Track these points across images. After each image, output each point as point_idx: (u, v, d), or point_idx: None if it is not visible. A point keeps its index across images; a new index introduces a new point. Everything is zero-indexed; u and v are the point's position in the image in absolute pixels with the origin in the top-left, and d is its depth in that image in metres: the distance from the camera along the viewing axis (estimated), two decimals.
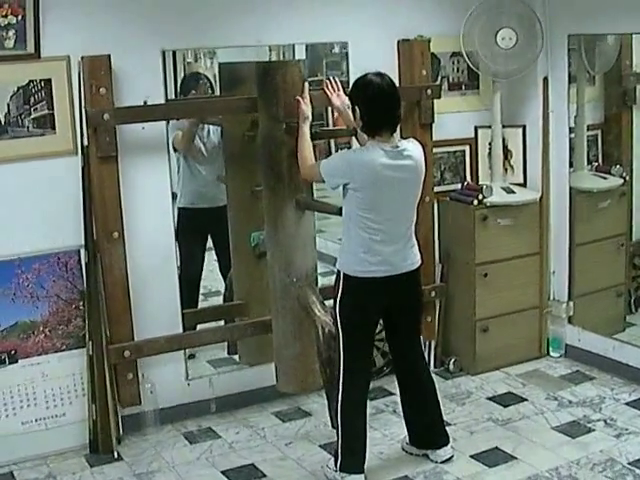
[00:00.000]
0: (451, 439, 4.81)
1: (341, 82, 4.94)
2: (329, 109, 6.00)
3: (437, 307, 5.92)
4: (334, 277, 4.56)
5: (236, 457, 4.94)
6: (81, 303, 4.93)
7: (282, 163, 4.77)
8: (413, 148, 4.43)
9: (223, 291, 6.25)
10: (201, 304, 6.24)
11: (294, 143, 4.70)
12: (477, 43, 5.60)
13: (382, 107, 4.32)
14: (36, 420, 4.94)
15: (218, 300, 6.50)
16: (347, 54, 5.59)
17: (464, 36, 5.61)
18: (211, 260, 6.39)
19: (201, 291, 6.30)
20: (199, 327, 5.68)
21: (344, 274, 4.45)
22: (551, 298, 6.12)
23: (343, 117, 4.80)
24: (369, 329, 4.57)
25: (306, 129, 4.65)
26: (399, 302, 4.54)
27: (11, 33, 4.50)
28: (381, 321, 4.68)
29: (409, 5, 5.60)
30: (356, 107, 4.35)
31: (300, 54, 6.00)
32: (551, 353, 6.14)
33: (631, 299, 6.48)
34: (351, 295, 4.44)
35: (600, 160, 6.37)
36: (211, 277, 6.43)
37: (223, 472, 4.77)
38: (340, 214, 4.49)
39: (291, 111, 4.70)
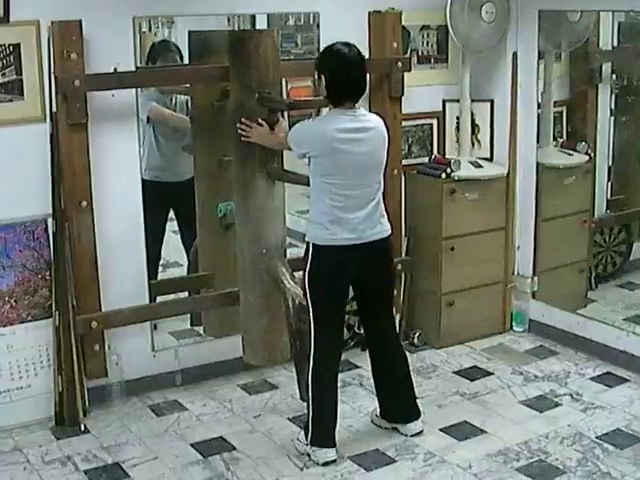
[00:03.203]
0: (422, 413, 4.82)
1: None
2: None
3: (402, 280, 5.91)
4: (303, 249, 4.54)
5: (204, 430, 4.90)
6: (48, 273, 4.85)
7: None
8: (372, 115, 4.49)
9: (187, 263, 6.20)
10: (160, 275, 6.14)
11: (266, 113, 4.66)
12: (466, 17, 5.60)
13: (347, 76, 4.33)
14: (1, 392, 4.85)
15: (176, 271, 6.46)
16: (300, 26, 5.54)
17: (450, 9, 5.59)
18: (168, 231, 6.30)
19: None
20: (160, 298, 5.61)
21: (313, 244, 4.43)
22: (515, 273, 6.15)
23: (269, 143, 4.75)
24: (339, 300, 4.54)
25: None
26: (369, 272, 4.52)
27: None
28: (352, 293, 4.67)
29: None
30: (322, 75, 4.35)
31: (261, 25, 5.95)
32: (514, 328, 6.17)
33: (592, 276, 6.55)
34: (320, 265, 4.42)
35: (565, 137, 6.41)
36: (169, 248, 6.34)
37: (192, 445, 4.73)
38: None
39: (264, 81, 4.65)
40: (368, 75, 4.52)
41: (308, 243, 4.47)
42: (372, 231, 4.45)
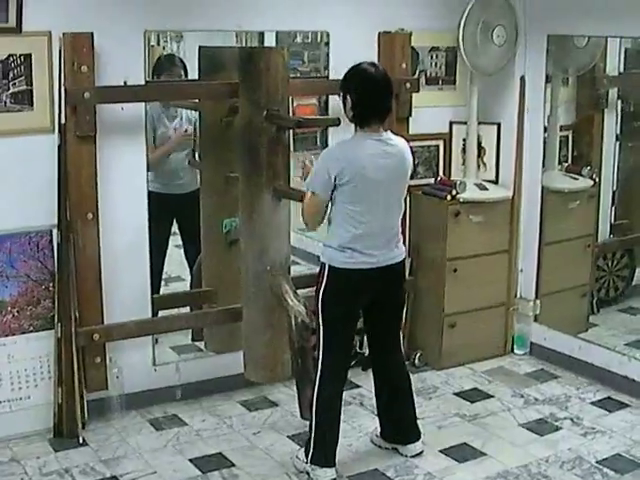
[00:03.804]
0: (422, 435, 4.81)
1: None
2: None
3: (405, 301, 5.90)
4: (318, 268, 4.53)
5: (203, 445, 4.89)
6: (51, 284, 4.84)
7: (261, 150, 4.71)
8: (398, 139, 4.44)
9: (190, 278, 6.19)
10: (162, 290, 6.12)
11: (274, 130, 4.66)
12: (478, 40, 5.62)
13: (374, 98, 4.29)
14: (0, 402, 4.84)
15: (178, 286, 6.46)
16: (308, 44, 5.55)
17: (463, 31, 5.60)
18: (171, 245, 6.30)
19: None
20: (162, 313, 5.59)
21: (328, 266, 4.41)
22: (518, 296, 6.15)
23: None
24: (350, 323, 4.54)
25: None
26: (383, 295, 4.51)
27: None
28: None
29: None
30: (347, 96, 4.31)
31: (270, 42, 5.98)
32: (516, 350, 6.17)
33: (594, 300, 6.54)
34: (334, 287, 4.41)
35: (570, 161, 6.41)
36: (171, 262, 6.34)
37: (191, 460, 4.71)
38: None
39: (273, 98, 4.66)
40: None
41: (323, 264, 4.45)
42: (389, 255, 4.45)
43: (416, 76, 5.76)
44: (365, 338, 4.97)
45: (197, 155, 5.90)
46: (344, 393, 4.59)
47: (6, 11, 4.44)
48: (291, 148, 4.96)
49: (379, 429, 4.84)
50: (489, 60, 5.72)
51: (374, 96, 4.29)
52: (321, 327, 4.45)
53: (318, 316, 4.45)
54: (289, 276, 4.93)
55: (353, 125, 4.36)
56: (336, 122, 4.60)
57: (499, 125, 6.01)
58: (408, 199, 5.72)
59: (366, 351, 5.09)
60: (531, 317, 6.10)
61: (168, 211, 5.98)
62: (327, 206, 4.37)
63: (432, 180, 5.96)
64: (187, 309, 5.91)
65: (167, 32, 5.90)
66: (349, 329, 4.55)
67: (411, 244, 5.89)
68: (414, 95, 5.60)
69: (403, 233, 5.61)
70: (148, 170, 5.16)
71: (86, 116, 4.61)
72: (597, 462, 4.69)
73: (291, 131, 5.09)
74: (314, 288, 4.52)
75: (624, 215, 6.90)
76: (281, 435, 5.01)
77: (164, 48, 6.51)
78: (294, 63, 6.25)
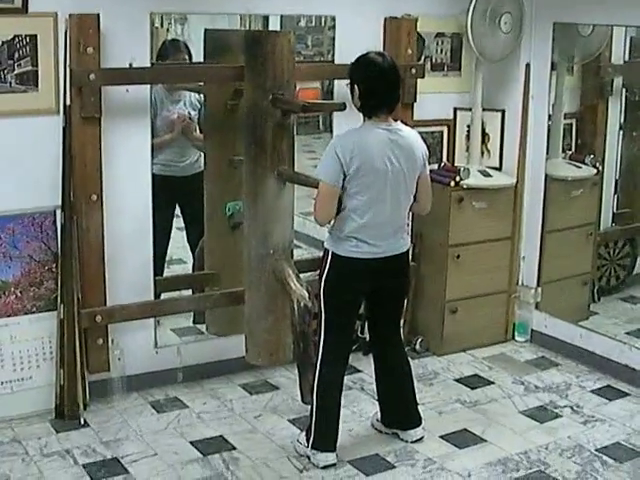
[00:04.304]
0: (423, 420, 4.82)
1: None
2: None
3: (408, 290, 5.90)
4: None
5: (204, 428, 4.90)
6: (54, 265, 4.84)
7: (266, 133, 4.70)
8: (407, 130, 4.43)
9: (192, 260, 6.19)
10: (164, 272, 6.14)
11: (279, 114, 4.65)
12: (487, 26, 5.62)
13: (382, 88, 4.27)
14: (2, 383, 4.84)
15: (179, 268, 6.47)
16: (312, 28, 5.54)
17: (472, 17, 5.59)
18: (174, 227, 6.30)
19: None
20: (164, 295, 5.61)
21: (332, 252, 4.42)
22: (520, 283, 6.15)
23: None
24: (352, 308, 4.56)
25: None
26: (385, 285, 4.51)
27: None
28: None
29: None
30: (355, 86, 4.30)
31: (274, 26, 5.97)
32: (516, 338, 6.18)
33: (595, 288, 6.56)
34: (337, 273, 4.42)
35: (574, 149, 6.42)
36: (173, 245, 6.33)
37: (192, 442, 4.73)
38: None
39: (279, 82, 4.65)
40: None
41: (326, 250, 4.46)
42: (395, 245, 4.45)
43: (421, 62, 5.75)
44: (366, 323, 4.98)
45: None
46: (345, 378, 4.60)
47: None
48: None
49: (379, 414, 4.85)
50: (496, 47, 5.71)
51: (382, 87, 4.27)
52: (322, 312, 4.46)
53: (320, 301, 4.46)
54: (292, 260, 4.94)
55: (362, 114, 4.35)
56: (342, 107, 4.57)
57: (503, 112, 6.00)
58: None
59: (367, 336, 5.11)
60: (532, 304, 6.10)
61: (171, 193, 5.96)
62: (339, 199, 4.31)
63: (436, 166, 5.95)
64: (189, 292, 5.91)
65: (173, 14, 5.88)
66: (351, 314, 4.57)
67: (414, 230, 5.88)
68: (419, 81, 5.59)
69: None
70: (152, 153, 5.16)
71: (91, 98, 4.60)
72: (596, 450, 4.70)
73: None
74: (317, 272, 4.52)
75: (626, 204, 6.92)
76: (282, 419, 5.02)
77: (168, 30, 6.51)
78: (298, 47, 6.24)
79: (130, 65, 4.78)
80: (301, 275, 4.86)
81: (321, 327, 4.47)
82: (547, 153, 5.99)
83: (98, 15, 4.56)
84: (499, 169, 6.06)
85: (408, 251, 4.57)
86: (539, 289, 6.09)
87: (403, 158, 4.32)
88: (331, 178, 4.26)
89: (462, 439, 4.82)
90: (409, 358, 4.86)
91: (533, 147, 5.97)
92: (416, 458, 4.61)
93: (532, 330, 6.14)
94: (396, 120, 4.40)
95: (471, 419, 5.05)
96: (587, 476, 4.45)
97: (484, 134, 6.00)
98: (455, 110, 6.03)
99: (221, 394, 5.31)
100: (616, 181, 6.78)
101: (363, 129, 4.32)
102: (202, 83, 5.58)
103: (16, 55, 4.55)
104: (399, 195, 4.38)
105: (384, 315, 4.69)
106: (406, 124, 4.58)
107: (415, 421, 4.78)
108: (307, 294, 4.62)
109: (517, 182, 5.98)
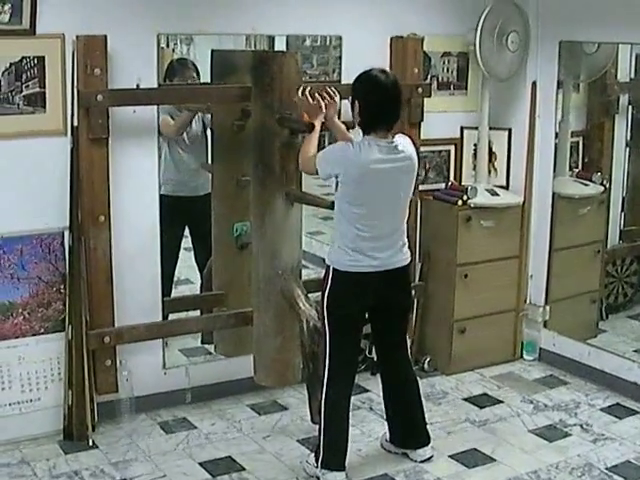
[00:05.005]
0: (432, 439, 4.80)
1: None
2: None
3: (415, 306, 5.89)
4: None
5: (213, 449, 4.89)
6: (62, 286, 4.84)
7: (274, 154, 4.74)
8: (405, 143, 4.43)
9: (200, 281, 6.19)
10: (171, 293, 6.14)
11: (286, 134, 4.68)
12: (494, 45, 5.63)
13: (382, 105, 4.29)
14: (10, 404, 4.84)
15: (187, 288, 6.46)
16: (317, 47, 5.54)
17: (480, 37, 5.60)
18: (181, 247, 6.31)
19: None
20: (172, 316, 5.60)
21: (333, 268, 4.42)
22: (528, 301, 6.14)
23: (335, 130, 4.68)
24: (355, 324, 4.54)
25: (318, 127, 4.60)
26: (387, 298, 4.51)
27: (7, 7, 4.39)
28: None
29: (403, 3, 5.58)
30: (356, 101, 4.32)
31: (280, 46, 5.98)
32: (525, 356, 6.16)
33: (603, 306, 6.54)
34: (339, 289, 4.41)
35: (581, 167, 6.41)
36: (181, 265, 6.32)
37: (201, 463, 4.72)
38: (331, 208, 4.48)
39: (286, 102, 4.67)
40: None
41: (328, 266, 4.46)
42: (394, 259, 4.45)
43: (428, 81, 5.76)
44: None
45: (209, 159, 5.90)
46: (353, 397, 4.60)
47: (20, 13, 4.43)
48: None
49: (388, 434, 4.83)
50: (503, 65, 5.72)
51: (382, 103, 4.29)
52: (327, 329, 4.45)
53: (324, 318, 4.46)
54: (300, 280, 4.93)
55: (360, 130, 4.37)
56: (349, 126, 4.60)
57: (510, 130, 6.01)
58: (419, 204, 5.78)
59: (375, 356, 5.09)
60: (540, 323, 6.09)
61: (182, 213, 5.98)
62: (332, 203, 4.44)
63: (443, 185, 5.97)
64: (197, 312, 5.90)
65: (179, 35, 5.89)
66: (355, 331, 4.55)
67: (422, 249, 5.91)
68: (426, 100, 5.60)
69: (414, 238, 5.68)
70: (162, 159, 5.13)
71: (99, 119, 4.61)
72: (607, 469, 4.68)
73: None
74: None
75: (633, 221, 6.90)
76: (291, 439, 5.00)
77: (174, 51, 6.51)
78: (303, 66, 6.24)
79: (137, 86, 4.79)
80: (309, 295, 4.87)
81: (325, 344, 4.46)
82: (554, 171, 5.98)
83: (105, 36, 4.57)
84: (506, 188, 6.06)
85: (409, 265, 4.57)
86: (547, 307, 6.08)
87: (400, 173, 4.35)
88: (323, 162, 4.38)
89: (471, 458, 4.80)
90: (417, 377, 4.84)
91: (540, 165, 5.97)
92: (425, 478, 4.59)
93: (540, 348, 6.13)
94: (394, 135, 4.40)
95: (480, 438, 5.03)
96: None
97: (491, 153, 6.01)
98: (462, 129, 6.03)
99: (230, 415, 5.29)
100: (623, 198, 6.77)
101: (361, 144, 4.32)
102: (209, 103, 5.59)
103: (24, 77, 4.56)
104: (396, 209, 4.41)
105: (388, 331, 4.68)
106: (413, 141, 4.59)
107: (424, 440, 4.76)
108: (316, 314, 4.62)
109: (524, 200, 5.98)
